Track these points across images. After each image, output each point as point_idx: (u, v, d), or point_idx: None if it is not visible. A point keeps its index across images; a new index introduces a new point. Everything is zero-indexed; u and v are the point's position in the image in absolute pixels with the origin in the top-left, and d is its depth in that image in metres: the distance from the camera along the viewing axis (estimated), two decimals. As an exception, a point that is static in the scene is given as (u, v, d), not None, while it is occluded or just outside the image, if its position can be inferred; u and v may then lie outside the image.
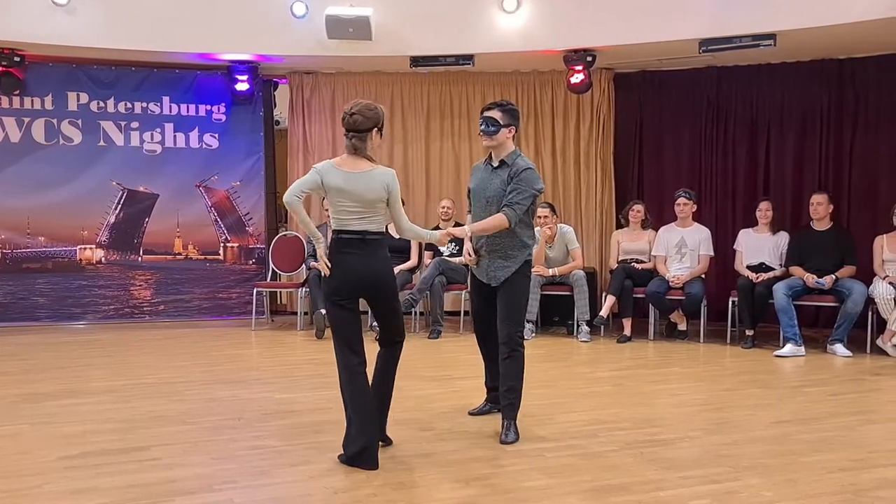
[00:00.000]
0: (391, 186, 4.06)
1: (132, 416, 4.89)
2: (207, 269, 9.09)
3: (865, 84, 8.11)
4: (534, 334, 7.70)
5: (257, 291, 8.57)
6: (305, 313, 8.44)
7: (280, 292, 9.30)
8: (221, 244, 9.13)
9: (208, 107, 8.95)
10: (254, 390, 5.64)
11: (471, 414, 4.88)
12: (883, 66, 7.87)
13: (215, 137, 8.99)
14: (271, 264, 8.89)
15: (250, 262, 9.20)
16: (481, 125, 4.51)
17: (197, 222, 9.04)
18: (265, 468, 3.93)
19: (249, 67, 8.61)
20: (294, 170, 9.20)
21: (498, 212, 4.44)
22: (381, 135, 4.15)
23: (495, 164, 4.55)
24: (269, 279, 8.89)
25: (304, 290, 8.33)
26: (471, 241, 4.62)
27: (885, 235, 7.17)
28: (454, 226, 8.32)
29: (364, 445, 3.90)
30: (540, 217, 7.76)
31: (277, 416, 4.88)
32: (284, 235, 9.08)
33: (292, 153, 9.23)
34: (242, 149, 9.07)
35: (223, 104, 8.96)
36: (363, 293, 4.13)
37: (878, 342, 6.92)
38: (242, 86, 8.65)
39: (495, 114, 4.50)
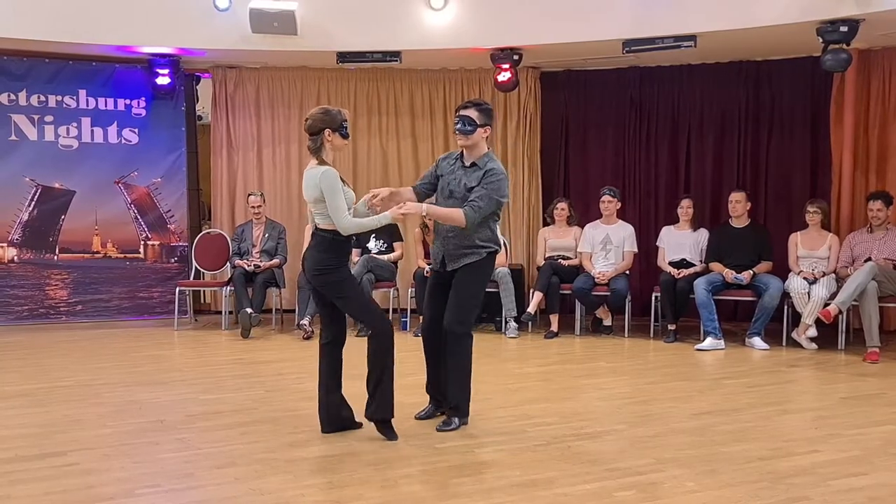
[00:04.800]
0: (321, 184, 4.20)
1: (48, 420, 4.71)
2: (127, 268, 8.82)
3: (781, 85, 8.39)
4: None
5: (180, 290, 8.36)
6: (230, 312, 8.28)
7: (204, 291, 9.09)
8: (142, 242, 8.88)
9: (127, 101, 8.67)
10: (177, 392, 5.50)
11: (417, 418, 4.72)
12: (797, 69, 8.15)
13: (135, 132, 8.73)
14: (194, 262, 8.69)
15: (172, 260, 8.96)
16: (457, 124, 4.47)
17: (116, 220, 8.75)
18: (189, 471, 3.83)
19: (171, 61, 8.37)
20: (217, 166, 9.02)
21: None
22: (343, 135, 4.34)
23: (467, 163, 4.52)
24: (192, 278, 8.69)
25: (228, 288, 8.17)
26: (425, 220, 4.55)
27: (798, 233, 7.43)
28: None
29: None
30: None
31: (202, 418, 4.77)
32: (208, 233, 8.89)
33: (215, 149, 9.03)
34: (164, 144, 8.82)
35: (143, 98, 8.69)
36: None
37: (794, 335, 7.16)
38: (163, 80, 8.40)
39: (471, 113, 4.46)
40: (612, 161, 9.03)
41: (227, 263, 8.51)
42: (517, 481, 3.69)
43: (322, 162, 4.30)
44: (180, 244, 8.95)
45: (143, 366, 6.37)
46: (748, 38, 7.38)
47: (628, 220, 8.15)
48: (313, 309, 7.65)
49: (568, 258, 7.97)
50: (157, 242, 8.92)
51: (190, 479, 3.72)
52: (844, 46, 6.81)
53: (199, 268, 8.70)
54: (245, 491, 3.56)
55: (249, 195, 8.46)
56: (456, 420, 4.53)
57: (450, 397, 4.56)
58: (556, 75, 9.02)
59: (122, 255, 8.81)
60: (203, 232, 8.96)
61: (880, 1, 6.37)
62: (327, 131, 4.29)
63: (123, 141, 8.70)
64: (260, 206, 8.33)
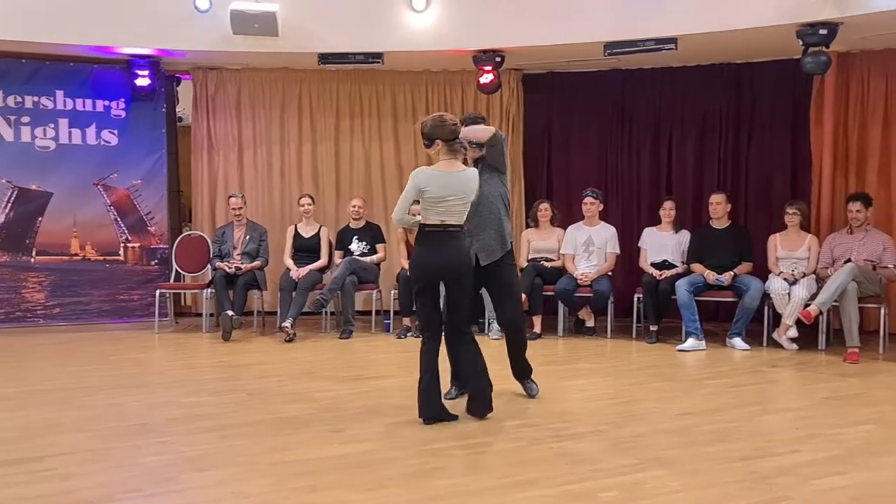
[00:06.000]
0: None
1: (24, 424, 4.64)
2: (107, 270, 8.73)
3: (761, 88, 8.44)
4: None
5: (160, 293, 8.30)
6: (211, 315, 8.22)
7: (184, 294, 9.02)
8: (122, 244, 8.79)
9: (106, 102, 8.58)
10: (158, 395, 5.45)
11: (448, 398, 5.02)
12: (777, 71, 8.20)
13: (114, 134, 8.65)
14: (175, 265, 8.62)
15: (153, 262, 8.89)
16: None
17: (95, 222, 8.66)
18: (171, 475, 3.79)
19: (150, 62, 8.30)
20: (198, 168, 8.96)
21: (483, 209, 4.96)
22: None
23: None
24: (172, 280, 8.62)
25: (209, 291, 8.11)
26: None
27: (778, 234, 7.48)
28: (365, 225, 8.31)
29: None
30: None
31: (183, 421, 4.73)
32: (188, 235, 8.83)
33: (196, 151, 8.97)
34: (143, 146, 8.74)
35: (122, 99, 8.61)
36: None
37: (774, 335, 7.20)
38: (143, 81, 8.33)
39: None
40: (594, 163, 9.05)
41: (208, 265, 8.46)
42: (501, 483, 3.68)
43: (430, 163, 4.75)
44: (161, 246, 8.88)
45: (124, 369, 6.31)
46: (728, 41, 7.42)
47: (611, 221, 8.17)
48: (295, 311, 7.62)
49: (551, 259, 7.98)
50: (137, 244, 8.84)
51: (171, 483, 3.68)
52: (824, 49, 6.87)
53: (179, 270, 8.63)
54: (227, 494, 3.53)
55: (230, 197, 8.41)
56: (534, 383, 5.33)
57: (521, 371, 5.30)
58: (538, 77, 9.04)
59: (101, 258, 8.72)
60: (184, 234, 8.90)
61: (858, 4, 6.42)
62: (439, 141, 4.61)
63: (102, 142, 8.62)
64: (241, 207, 8.28)
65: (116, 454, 4.09)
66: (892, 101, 7.70)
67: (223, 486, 3.63)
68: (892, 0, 6.26)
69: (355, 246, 8.18)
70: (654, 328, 7.52)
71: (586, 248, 7.86)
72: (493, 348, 7.29)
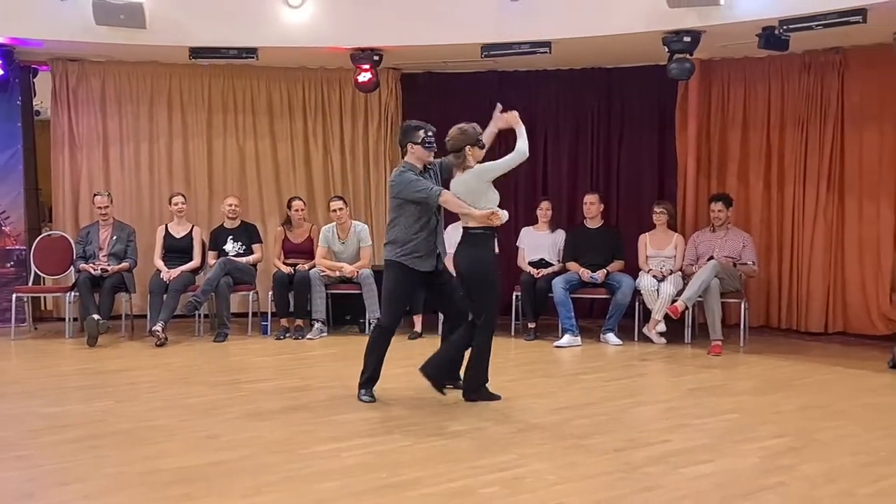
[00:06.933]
0: (480, 178, 5.22)
1: None
2: (-44, 274, 8.13)
3: (630, 92, 8.76)
4: (324, 333, 7.62)
5: (17, 297, 7.78)
6: (75, 319, 7.78)
7: (44, 297, 8.51)
8: (-28, 246, 8.20)
9: (-47, 92, 8.01)
10: (16, 405, 5.11)
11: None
12: (645, 76, 8.52)
13: (-37, 127, 8.06)
14: (33, 267, 8.11)
15: (8, 265, 8.31)
16: (434, 142, 5.39)
17: (-59, 222, 8.06)
18: (31, 490, 3.56)
19: (3, 51, 7.78)
20: (59, 164, 8.46)
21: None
22: (481, 146, 5.36)
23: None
24: (30, 283, 8.11)
25: (73, 294, 7.67)
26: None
27: (647, 234, 7.80)
28: (240, 225, 8.09)
29: None
30: (335, 210, 7.74)
31: (45, 433, 4.45)
32: (49, 236, 8.33)
33: (56, 146, 8.47)
34: (-4, 140, 8.19)
35: (-28, 90, 8.04)
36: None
37: (644, 330, 7.48)
38: (-6, 70, 7.81)
39: None
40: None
41: (72, 267, 8.01)
42: (384, 483, 3.66)
43: (467, 168, 5.17)
44: (17, 247, 8.32)
45: (-24, 379, 5.89)
46: (600, 46, 7.66)
47: (488, 221, 8.26)
48: (166, 314, 7.32)
49: (430, 259, 7.99)
50: (-10, 246, 8.26)
51: (30, 500, 3.46)
52: (688, 56, 7.19)
53: (38, 272, 8.13)
54: (93, 509, 3.35)
55: (95, 195, 7.99)
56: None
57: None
58: (416, 77, 9.04)
59: (-52, 260, 8.11)
60: (43, 234, 8.39)
61: (719, 15, 6.76)
62: (468, 147, 5.21)
63: (-51, 136, 8.01)
64: (107, 206, 7.89)
65: (-32, 471, 3.81)
66: (750, 106, 8.15)
67: (89, 500, 3.44)
68: (750, 11, 6.63)
69: (230, 246, 7.94)
70: (531, 325, 7.67)
71: (465, 247, 7.92)
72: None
